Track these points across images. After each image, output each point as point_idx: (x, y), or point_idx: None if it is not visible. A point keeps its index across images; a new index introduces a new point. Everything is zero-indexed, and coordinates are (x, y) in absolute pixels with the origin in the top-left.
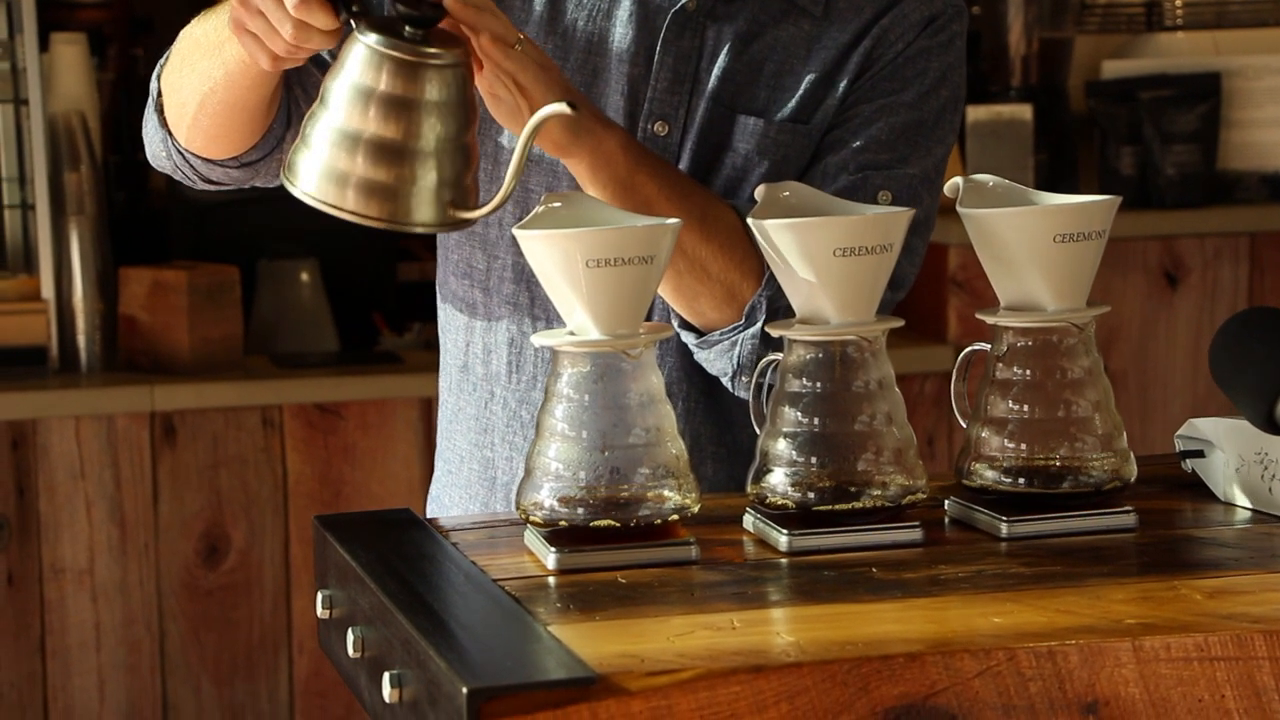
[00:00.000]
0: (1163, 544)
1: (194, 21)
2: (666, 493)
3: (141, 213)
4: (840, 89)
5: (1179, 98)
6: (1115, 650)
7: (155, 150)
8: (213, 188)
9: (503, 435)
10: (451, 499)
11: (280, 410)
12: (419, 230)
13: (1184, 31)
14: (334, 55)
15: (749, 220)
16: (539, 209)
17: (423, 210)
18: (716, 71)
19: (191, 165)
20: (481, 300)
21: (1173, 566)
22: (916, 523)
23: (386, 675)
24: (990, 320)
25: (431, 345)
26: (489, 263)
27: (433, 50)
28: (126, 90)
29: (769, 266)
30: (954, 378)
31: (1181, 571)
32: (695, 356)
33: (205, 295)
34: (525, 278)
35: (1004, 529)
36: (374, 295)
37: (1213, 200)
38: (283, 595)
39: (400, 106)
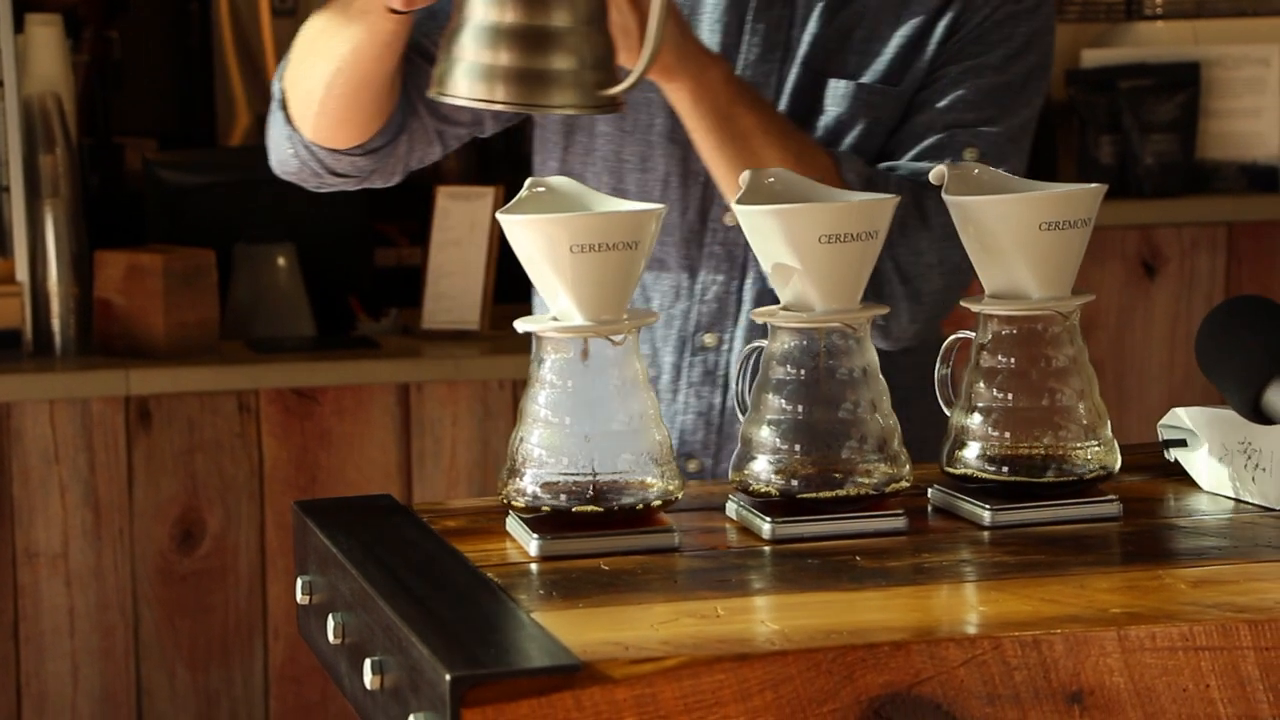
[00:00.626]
0: (1147, 533)
1: (309, 21)
2: (649, 479)
3: (117, 196)
4: (929, 53)
5: (1158, 87)
6: (1100, 639)
7: (281, 153)
8: (338, 183)
9: None
10: None
11: (256, 395)
12: (570, 111)
13: (1163, 21)
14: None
15: (734, 206)
16: (522, 194)
17: (570, 92)
18: (807, 39)
19: (318, 159)
20: None
21: (1157, 556)
22: (900, 511)
23: (368, 662)
24: (975, 308)
25: (408, 330)
26: None
27: None
28: (101, 72)
29: None
30: (937, 365)
31: (1166, 561)
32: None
33: (181, 279)
34: None
35: (988, 517)
36: (351, 280)
37: (1191, 190)
38: (258, 581)
39: None
